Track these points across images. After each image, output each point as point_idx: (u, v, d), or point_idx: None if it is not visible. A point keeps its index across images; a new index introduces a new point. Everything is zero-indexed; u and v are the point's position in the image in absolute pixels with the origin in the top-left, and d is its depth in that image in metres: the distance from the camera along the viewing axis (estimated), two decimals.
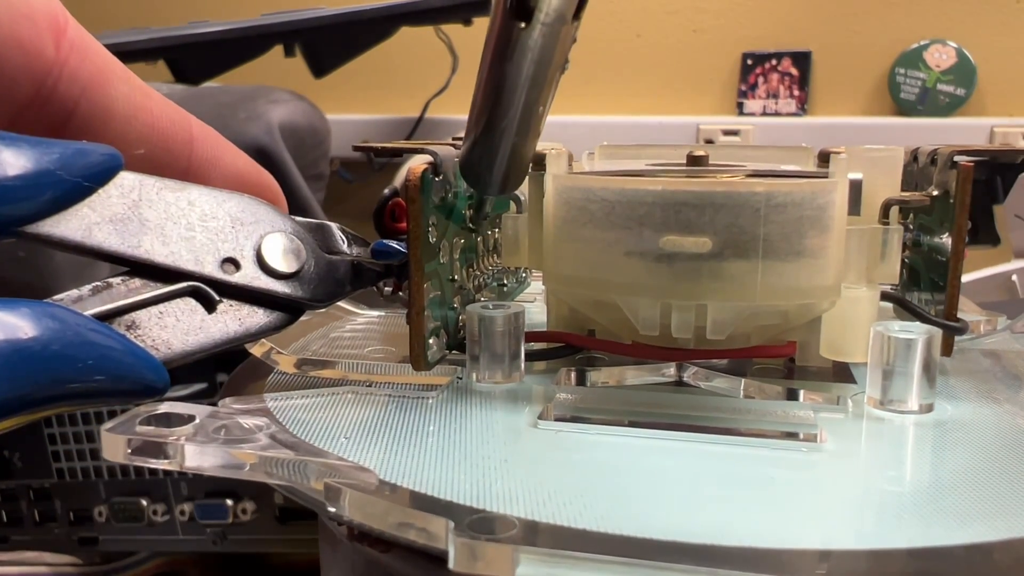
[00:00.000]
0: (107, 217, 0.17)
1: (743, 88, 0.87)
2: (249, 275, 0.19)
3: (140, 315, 0.17)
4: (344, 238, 0.22)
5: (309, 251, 0.20)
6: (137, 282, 0.18)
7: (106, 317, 0.17)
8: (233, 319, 0.19)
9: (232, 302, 0.19)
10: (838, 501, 0.18)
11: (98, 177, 0.17)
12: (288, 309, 0.20)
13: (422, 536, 0.16)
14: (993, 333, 0.30)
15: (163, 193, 0.18)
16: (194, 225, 0.18)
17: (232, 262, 0.19)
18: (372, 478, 0.18)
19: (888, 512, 0.17)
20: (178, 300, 0.18)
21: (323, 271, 0.21)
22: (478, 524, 0.16)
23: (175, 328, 0.18)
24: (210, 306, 0.18)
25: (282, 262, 0.20)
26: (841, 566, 0.15)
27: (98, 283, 0.17)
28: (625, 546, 0.15)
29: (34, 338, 0.14)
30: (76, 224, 0.17)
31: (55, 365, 0.14)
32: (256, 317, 0.19)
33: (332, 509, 0.17)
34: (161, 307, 0.18)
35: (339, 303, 0.33)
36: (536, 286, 0.36)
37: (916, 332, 0.22)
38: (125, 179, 0.17)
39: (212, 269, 0.19)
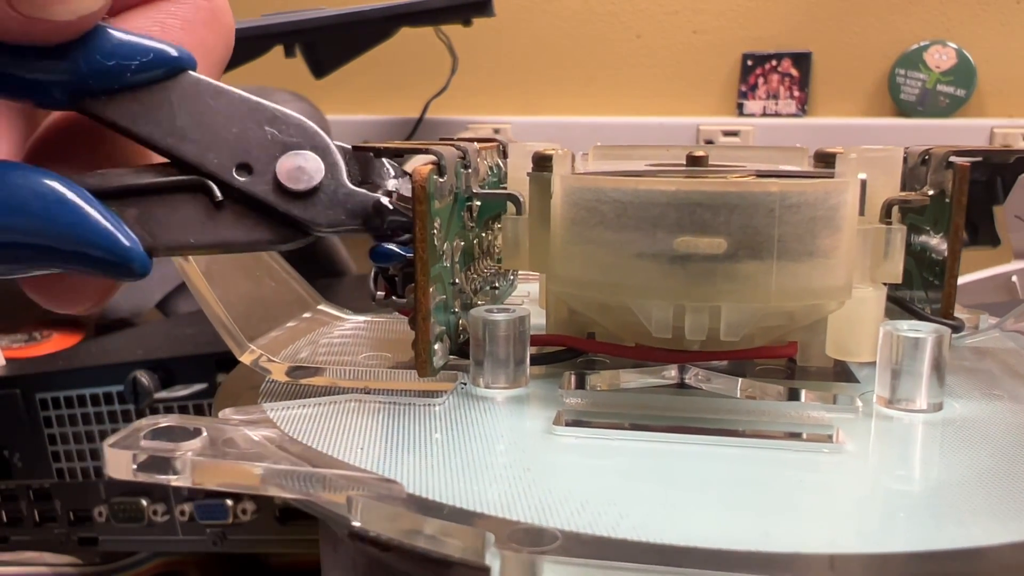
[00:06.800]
0: (151, 105, 0.18)
1: (743, 89, 0.87)
2: (256, 183, 0.19)
3: (136, 200, 0.18)
4: (390, 171, 0.21)
5: (332, 177, 0.20)
6: (146, 173, 0.18)
7: (102, 195, 0.17)
8: (230, 223, 0.19)
9: (235, 207, 0.19)
10: (874, 502, 0.18)
11: (171, 71, 0.18)
12: (289, 227, 0.19)
13: (460, 550, 0.15)
14: (977, 332, 0.30)
15: (214, 97, 0.19)
16: (227, 128, 0.19)
17: (246, 168, 0.19)
18: (400, 491, 0.18)
19: (922, 513, 0.17)
20: (180, 194, 0.18)
21: (337, 199, 0.20)
22: (519, 536, 0.16)
23: (168, 218, 0.18)
24: (211, 204, 0.19)
25: (294, 179, 0.19)
26: (890, 570, 0.15)
27: (105, 170, 0.18)
28: (671, 555, 0.15)
29: (12, 188, 0.16)
30: (124, 108, 0.18)
31: (34, 218, 0.16)
32: (254, 229, 0.19)
33: (357, 524, 0.17)
34: (160, 198, 0.18)
35: (324, 308, 0.32)
36: (523, 288, 0.35)
37: (925, 331, 0.22)
38: (187, 77, 0.18)
39: (223, 170, 0.19)
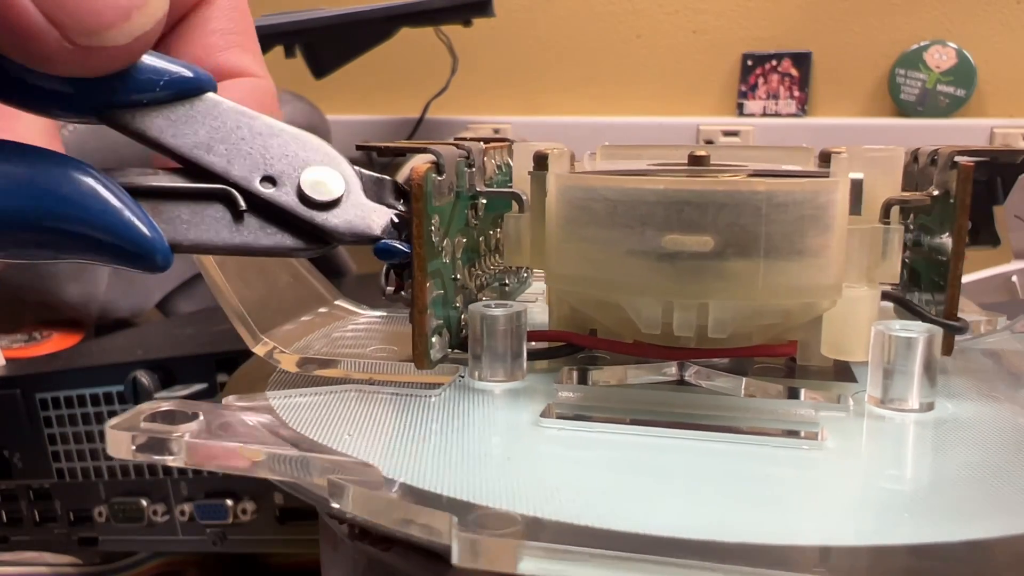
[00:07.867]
0: (177, 121, 0.19)
1: (743, 89, 0.87)
2: (280, 194, 0.20)
3: (162, 200, 0.19)
4: (398, 193, 0.22)
5: (350, 192, 0.21)
6: (176, 178, 0.20)
7: (132, 192, 0.18)
8: (252, 230, 0.20)
9: (260, 216, 0.20)
10: (839, 498, 0.18)
11: (193, 91, 0.19)
12: (311, 238, 0.21)
13: (425, 532, 0.16)
14: (993, 333, 0.30)
15: (235, 116, 0.20)
16: (250, 144, 0.20)
17: (271, 180, 0.20)
18: (376, 474, 0.18)
19: (889, 509, 0.17)
20: (205, 200, 0.20)
21: (358, 211, 0.21)
22: (481, 520, 0.16)
23: (192, 220, 0.19)
24: (236, 213, 0.20)
25: (317, 191, 0.20)
26: (842, 562, 0.15)
27: (134, 169, 0.19)
28: (626, 542, 0.15)
29: (51, 177, 0.17)
30: (149, 122, 0.19)
31: (64, 203, 0.17)
32: (276, 235, 0.20)
33: (335, 505, 0.18)
34: (185, 201, 0.19)
35: (341, 303, 0.33)
36: (537, 286, 0.36)
37: (916, 331, 0.22)
38: (209, 97, 0.19)
39: (247, 181, 0.20)
